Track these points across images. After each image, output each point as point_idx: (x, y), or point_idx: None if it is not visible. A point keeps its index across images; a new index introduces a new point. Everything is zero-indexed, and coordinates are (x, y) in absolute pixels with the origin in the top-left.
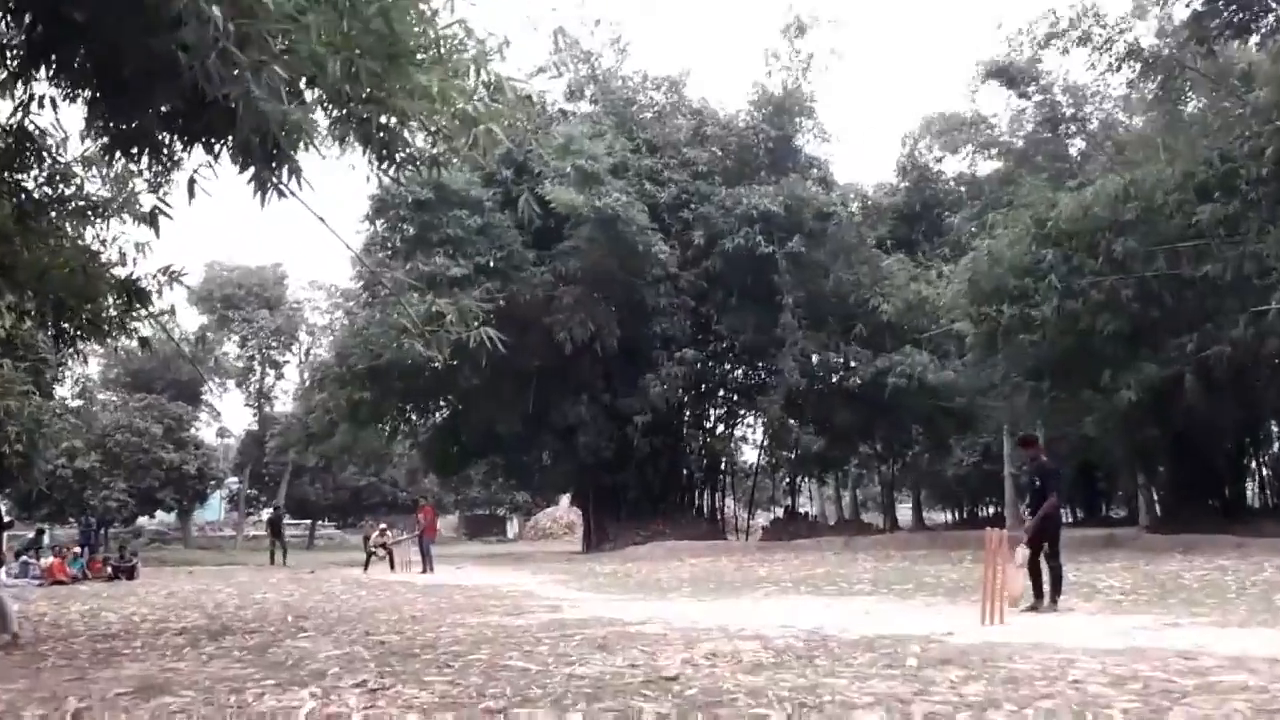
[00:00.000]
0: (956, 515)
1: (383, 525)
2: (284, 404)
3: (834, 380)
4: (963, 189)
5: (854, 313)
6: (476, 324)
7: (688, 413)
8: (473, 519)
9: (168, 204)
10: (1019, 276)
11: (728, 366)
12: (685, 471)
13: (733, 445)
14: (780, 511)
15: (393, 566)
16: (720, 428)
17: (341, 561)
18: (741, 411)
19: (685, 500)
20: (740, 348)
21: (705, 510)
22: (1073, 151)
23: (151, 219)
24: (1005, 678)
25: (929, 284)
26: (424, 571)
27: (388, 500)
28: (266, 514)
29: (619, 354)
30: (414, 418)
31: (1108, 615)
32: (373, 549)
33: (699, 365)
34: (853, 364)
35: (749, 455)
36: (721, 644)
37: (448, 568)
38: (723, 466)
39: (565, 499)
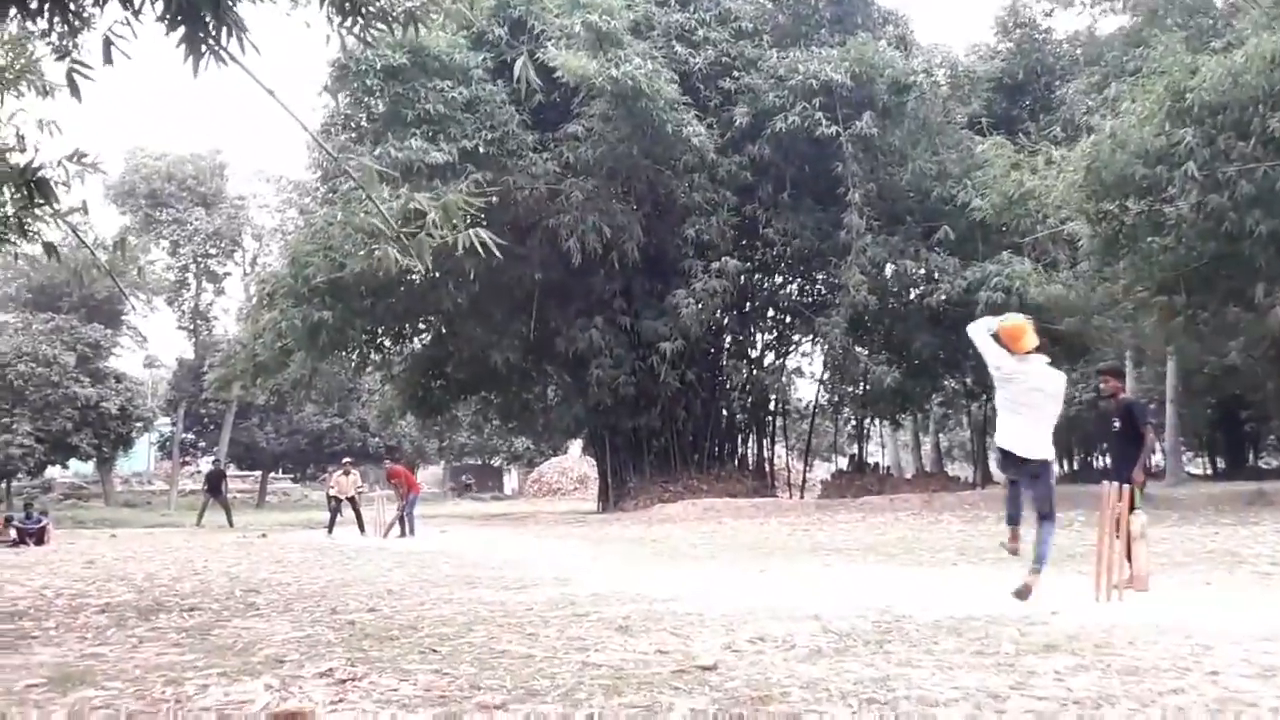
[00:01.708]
0: (1065, 465)
1: (346, 461)
2: (226, 327)
3: (912, 296)
4: (1078, 52)
5: (938, 210)
6: (464, 225)
7: (728, 339)
8: (462, 471)
9: (86, 65)
10: (1149, 164)
11: (779, 280)
12: (725, 412)
13: (785, 379)
14: (844, 462)
15: (362, 527)
16: (769, 357)
17: (299, 523)
18: (796, 337)
19: (725, 448)
20: (794, 256)
21: (750, 460)
22: (1218, 3)
23: (70, 84)
24: (1124, 668)
25: (1034, 174)
26: (402, 535)
27: (355, 447)
28: (207, 465)
29: (641, 265)
30: (387, 344)
31: (1255, 591)
32: (336, 497)
33: (742, 278)
34: (936, 275)
35: (805, 392)
36: (770, 626)
37: (431, 531)
38: (772, 406)
39: (575, 446)
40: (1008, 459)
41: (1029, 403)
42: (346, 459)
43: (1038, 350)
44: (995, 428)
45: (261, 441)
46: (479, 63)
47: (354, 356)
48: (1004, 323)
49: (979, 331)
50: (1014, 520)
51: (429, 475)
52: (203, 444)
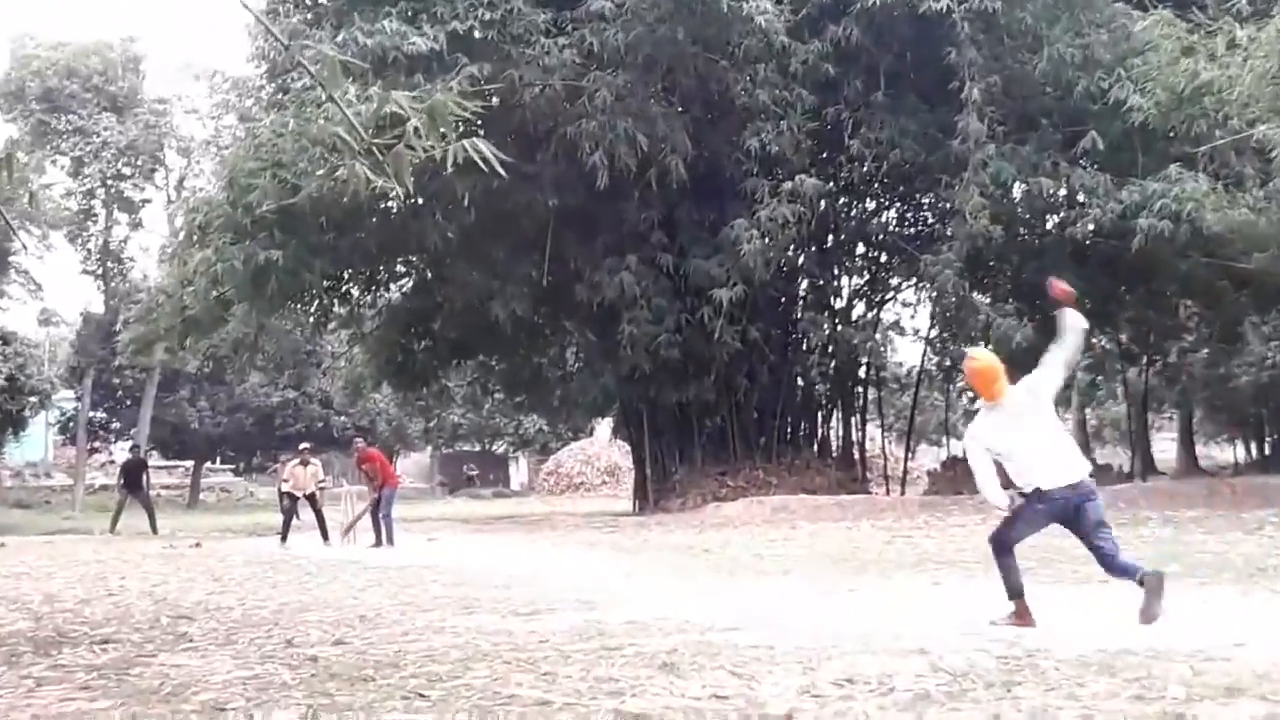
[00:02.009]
0: (1253, 451)
1: (304, 448)
2: (145, 271)
3: (1049, 225)
4: None
5: (1083, 111)
6: (455, 134)
7: (804, 284)
8: (455, 461)
9: None
10: None
11: (871, 205)
12: (800, 382)
13: (879, 338)
14: (958, 447)
15: (325, 534)
16: (858, 308)
17: (243, 528)
18: (894, 281)
19: (800, 429)
20: (892, 173)
21: (834, 445)
22: None
23: None
24: None
25: (1212, 61)
26: (377, 544)
27: (315, 430)
28: (123, 453)
29: (689, 186)
30: (355, 293)
31: None
32: (291, 494)
33: (822, 203)
34: (1081, 198)
35: (906, 354)
36: (862, 662)
37: (414, 539)
38: (863, 373)
39: (604, 427)
40: (1044, 503)
41: (1025, 426)
42: (305, 445)
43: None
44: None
45: (193, 422)
46: None
47: (312, 309)
48: (972, 363)
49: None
50: (1021, 589)
51: (412, 466)
52: (116, 425)
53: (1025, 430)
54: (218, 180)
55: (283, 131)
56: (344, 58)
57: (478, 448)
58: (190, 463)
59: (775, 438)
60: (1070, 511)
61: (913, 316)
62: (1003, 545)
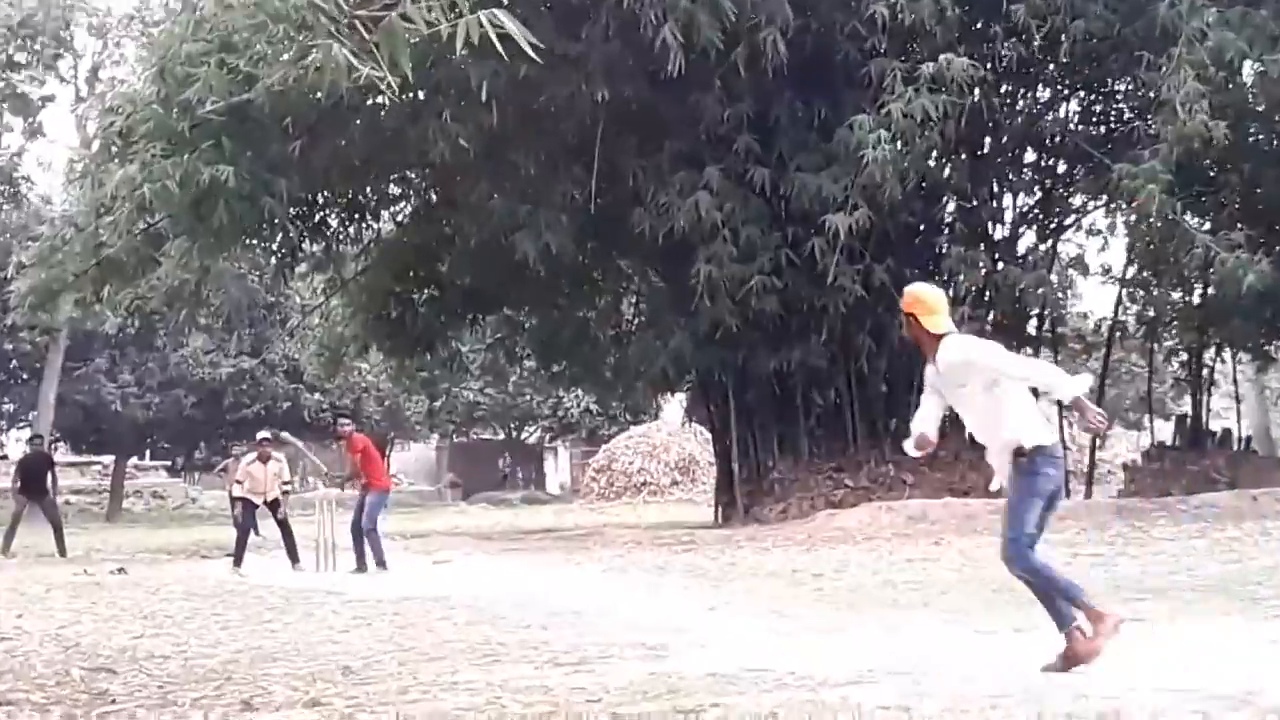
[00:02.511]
0: None
1: (265, 439)
2: (48, 194)
3: None
4: None
5: None
6: (469, 2)
7: (950, 205)
8: (470, 454)
9: None
10: None
11: (1044, 96)
12: None
13: (1056, 280)
14: (1165, 430)
15: (294, 554)
16: (1027, 239)
17: (182, 547)
18: (1076, 200)
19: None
20: (1074, 52)
21: None
22: None
23: None
24: None
25: None
26: (359, 569)
27: (280, 409)
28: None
29: (791, 70)
30: (333, 224)
31: None
32: (246, 500)
33: (975, 93)
34: None
35: (1093, 301)
36: None
37: (417, 560)
38: (1033, 329)
39: (673, 407)
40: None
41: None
42: (264, 435)
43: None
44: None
45: (113, 402)
46: None
47: (275, 247)
48: (918, 294)
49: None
50: (1078, 593)
51: (412, 461)
52: (9, 407)
53: (954, 396)
54: (144, 70)
55: (233, 2)
56: None
57: (501, 435)
58: (110, 459)
59: (911, 420)
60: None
61: (1102, 249)
62: (1024, 553)
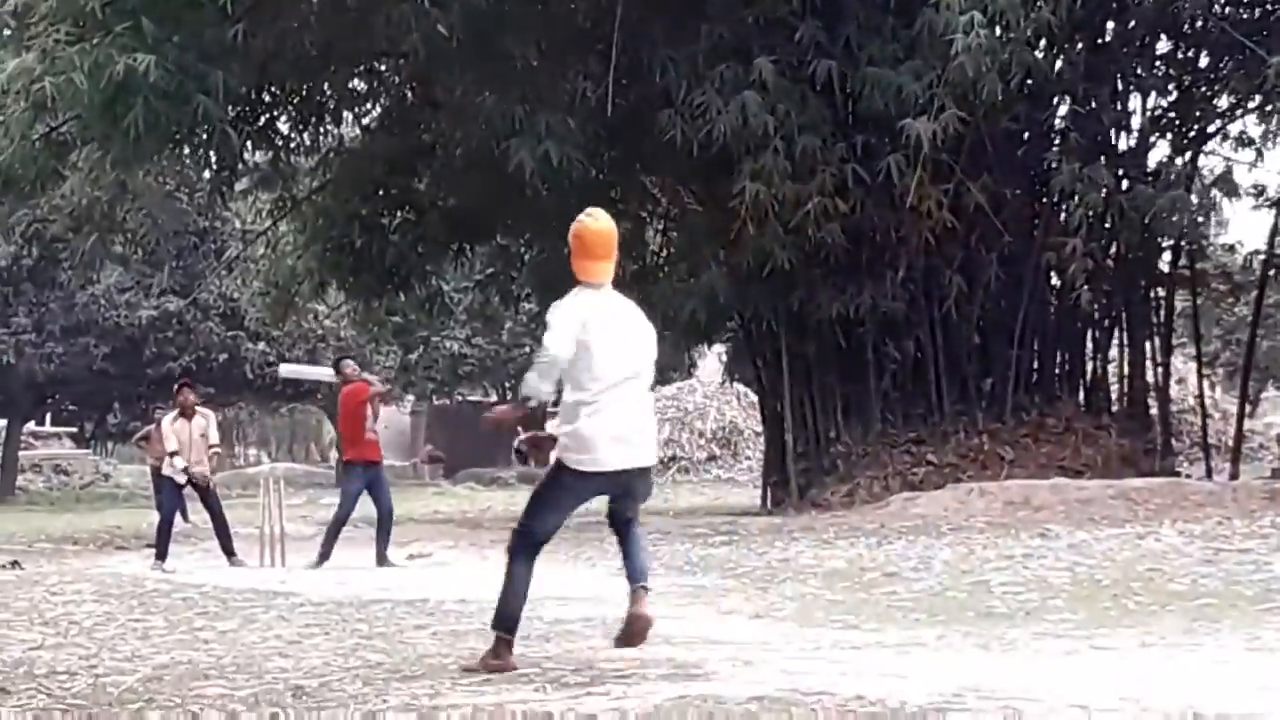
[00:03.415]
0: None
1: (184, 386)
2: None
3: None
4: None
5: None
6: None
7: (1063, 109)
8: (454, 418)
9: None
10: None
11: None
12: (1055, 281)
13: (1198, 202)
14: None
15: (228, 545)
16: (1159, 152)
17: (93, 535)
18: (1221, 102)
19: (1054, 364)
20: None
21: (1113, 392)
22: None
23: None
24: None
25: None
26: (321, 563)
27: (215, 362)
28: None
29: None
30: (283, 129)
31: None
32: (168, 474)
33: None
34: None
35: (1242, 231)
36: None
37: (389, 554)
38: (1166, 264)
39: (710, 361)
40: (590, 484)
41: (632, 367)
42: (184, 380)
43: None
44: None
45: (3, 352)
46: None
47: (209, 158)
48: (584, 223)
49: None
50: (514, 620)
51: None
52: None
53: (621, 366)
54: None
55: None
56: None
57: (493, 396)
58: (2, 423)
59: (1011, 379)
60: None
61: (1254, 166)
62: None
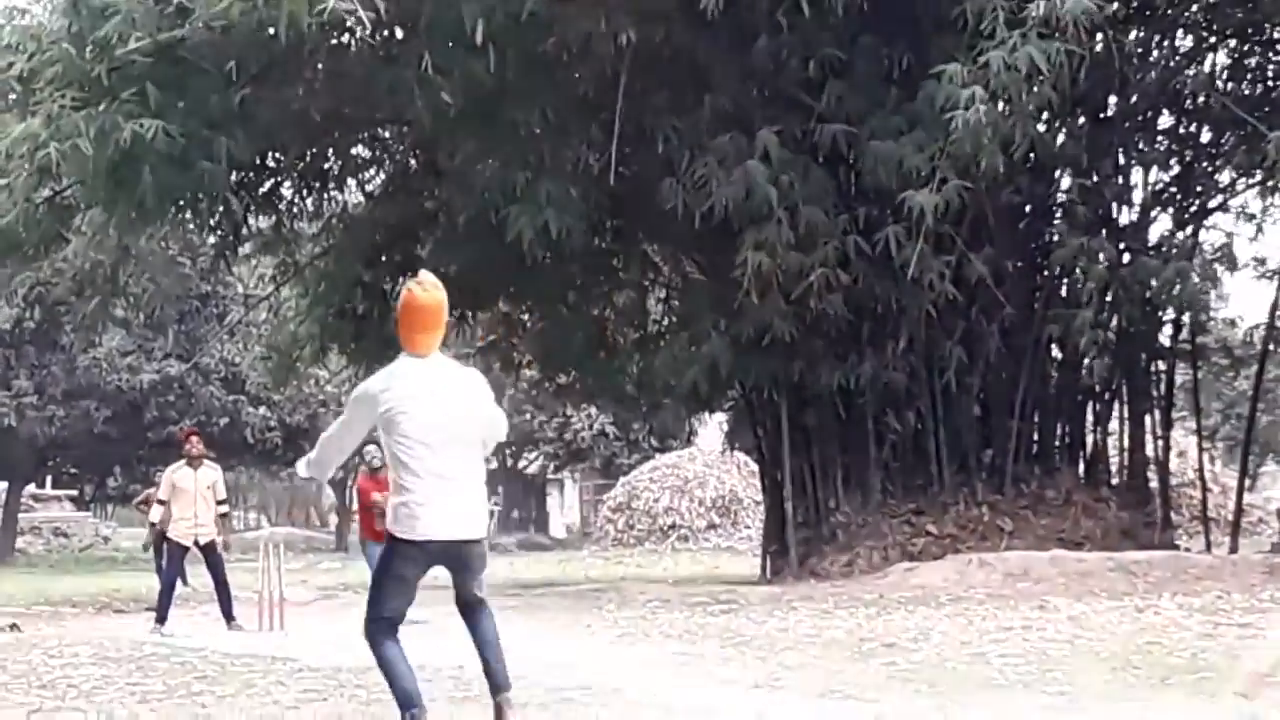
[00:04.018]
0: None
1: (191, 436)
2: None
3: None
4: None
5: None
6: None
7: (1065, 180)
8: None
9: None
10: None
11: (1184, 44)
12: (1057, 353)
13: (1199, 275)
14: None
15: (229, 610)
16: (1161, 224)
17: (91, 598)
18: (1223, 176)
19: (1054, 436)
20: None
21: (1113, 464)
22: None
23: None
24: None
25: None
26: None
27: (216, 426)
28: None
29: (866, 10)
30: (287, 195)
31: None
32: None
33: (1099, 39)
34: None
35: (1242, 305)
36: None
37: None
38: (1167, 338)
39: (712, 429)
40: (420, 553)
41: (454, 435)
42: (192, 429)
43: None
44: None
45: (5, 415)
46: None
47: (213, 223)
48: (413, 292)
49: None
50: (414, 700)
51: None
52: None
53: (442, 435)
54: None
55: None
56: None
57: (493, 464)
58: (2, 485)
59: (1011, 451)
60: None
61: (1255, 238)
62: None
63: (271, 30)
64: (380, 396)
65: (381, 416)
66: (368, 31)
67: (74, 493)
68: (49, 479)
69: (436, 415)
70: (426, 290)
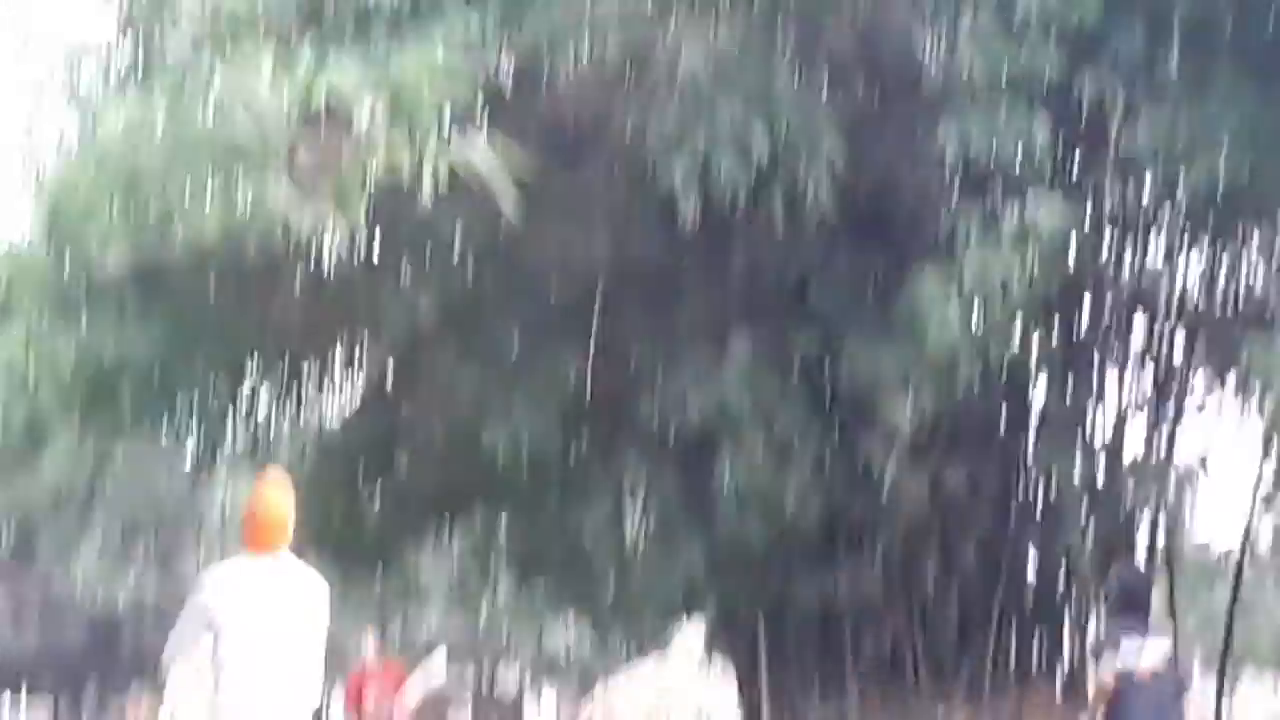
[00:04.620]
0: None
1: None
2: None
3: None
4: None
5: None
6: (438, 132)
7: (1040, 386)
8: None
9: None
10: None
11: (1157, 250)
12: (1035, 564)
13: (1173, 486)
14: None
15: None
16: (1135, 433)
17: None
18: (1198, 384)
19: (1033, 647)
20: (1195, 196)
21: (1087, 677)
22: None
23: None
24: None
25: None
26: None
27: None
28: None
29: (843, 216)
30: (266, 407)
31: None
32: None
33: (1072, 245)
34: None
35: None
36: None
37: None
38: (1142, 547)
39: (689, 635)
40: None
41: (276, 644)
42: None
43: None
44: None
45: None
46: None
47: (193, 434)
48: (256, 490)
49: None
50: None
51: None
52: None
53: (264, 636)
54: (34, 215)
55: (146, 124)
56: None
57: (473, 675)
58: None
59: (989, 662)
60: None
61: (1233, 448)
62: None
63: (252, 244)
64: (208, 605)
65: (208, 623)
66: (349, 245)
67: (50, 698)
68: (23, 688)
69: (261, 623)
70: (269, 487)
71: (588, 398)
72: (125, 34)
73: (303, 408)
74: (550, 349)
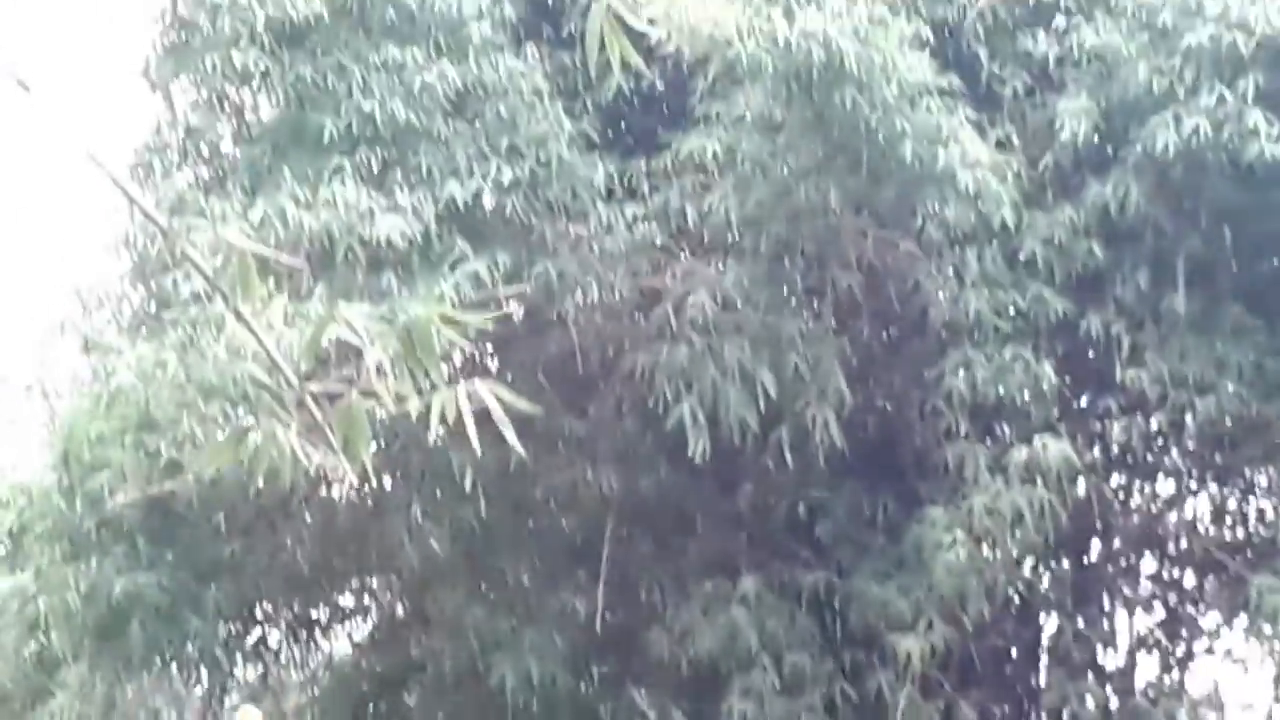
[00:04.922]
0: None
1: None
2: None
3: None
4: None
5: None
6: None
7: (1050, 623)
8: None
9: None
10: None
11: (1165, 489)
12: None
13: (1187, 715)
14: None
15: None
16: (1146, 665)
17: None
18: (1208, 620)
19: None
20: (1203, 435)
21: None
22: None
23: None
24: None
25: None
26: None
27: None
28: None
29: (850, 453)
30: (274, 644)
31: None
32: None
33: (1080, 483)
34: None
35: None
36: None
37: None
38: None
39: None
40: None
41: None
42: None
43: None
44: None
45: None
46: (483, 8)
47: (201, 672)
48: None
49: None
50: None
51: None
52: None
53: None
54: (46, 456)
55: (156, 370)
56: (261, 248)
57: None
58: None
59: None
60: None
61: (1243, 677)
62: None
63: (260, 486)
64: None
65: None
66: (356, 486)
67: None
68: None
69: None
70: None
71: (598, 630)
72: (135, 286)
73: (312, 647)
74: (561, 582)
